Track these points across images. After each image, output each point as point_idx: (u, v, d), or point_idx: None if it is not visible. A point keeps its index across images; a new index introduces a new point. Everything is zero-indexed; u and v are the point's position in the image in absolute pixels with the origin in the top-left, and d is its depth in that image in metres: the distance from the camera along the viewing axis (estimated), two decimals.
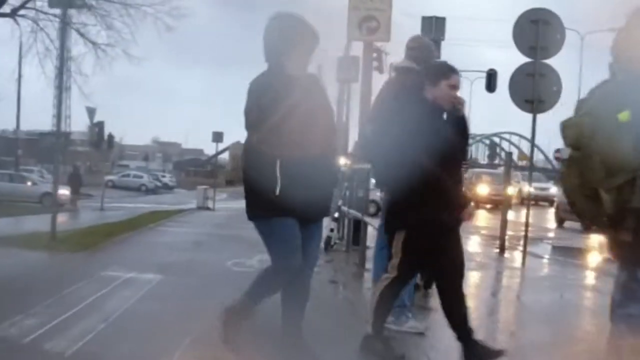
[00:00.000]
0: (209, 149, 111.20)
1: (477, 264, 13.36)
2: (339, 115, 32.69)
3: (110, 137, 39.67)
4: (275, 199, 5.30)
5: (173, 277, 10.30)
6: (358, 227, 13.96)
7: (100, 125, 37.73)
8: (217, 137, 37.88)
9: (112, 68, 37.65)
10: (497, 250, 15.34)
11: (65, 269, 10.96)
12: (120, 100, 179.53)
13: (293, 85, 5.30)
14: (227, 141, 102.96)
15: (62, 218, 27.43)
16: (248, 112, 5.45)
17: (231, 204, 50.76)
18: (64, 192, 37.49)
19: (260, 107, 5.31)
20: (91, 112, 36.43)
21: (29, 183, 40.50)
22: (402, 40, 7.48)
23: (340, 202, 15.41)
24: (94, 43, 45.74)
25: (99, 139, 37.52)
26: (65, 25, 38.34)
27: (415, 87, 6.17)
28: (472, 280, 11.27)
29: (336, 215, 15.42)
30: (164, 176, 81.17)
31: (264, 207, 5.47)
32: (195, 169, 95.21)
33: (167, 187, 73.62)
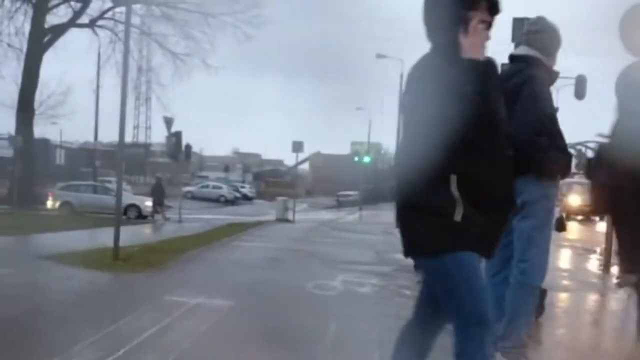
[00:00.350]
0: (289, 159, 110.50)
1: (580, 283, 11.79)
2: None
3: (188, 147, 38.74)
4: (458, 226, 3.71)
5: (246, 303, 8.96)
6: None
7: (177, 135, 36.85)
8: (297, 146, 36.68)
9: (191, 78, 36.93)
10: (601, 268, 13.71)
11: (125, 292, 9.76)
12: (200, 111, 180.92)
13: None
14: (307, 151, 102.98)
15: (139, 230, 26.68)
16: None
17: (311, 214, 49.75)
18: (148, 203, 36.95)
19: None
20: (169, 122, 35.60)
21: (113, 194, 39.70)
22: None
23: None
24: (172, 53, 45.29)
25: (177, 149, 36.60)
26: (142, 34, 37.24)
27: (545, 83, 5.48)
28: (581, 304, 9.74)
29: None
30: (243, 187, 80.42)
31: (444, 237, 3.73)
32: (275, 180, 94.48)
33: (246, 198, 72.79)
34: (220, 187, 70.08)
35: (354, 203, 58.45)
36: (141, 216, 36.91)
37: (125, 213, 36.89)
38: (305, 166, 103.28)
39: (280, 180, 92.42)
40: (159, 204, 36.12)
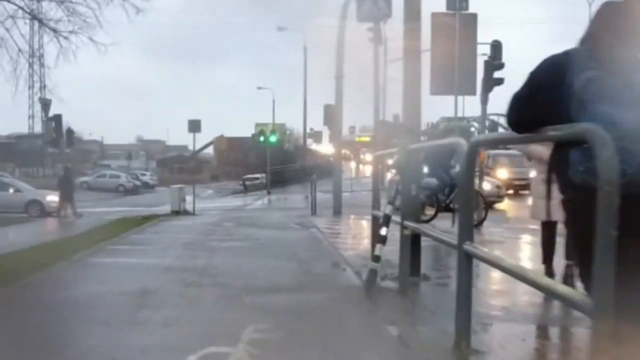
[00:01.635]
0: (195, 144, 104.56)
1: None
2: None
3: (70, 132, 32.85)
4: None
5: None
6: (418, 247, 9.46)
7: (57, 119, 30.95)
8: (194, 126, 31.14)
9: (78, 58, 31.08)
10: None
11: None
12: (101, 99, 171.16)
13: None
14: (211, 135, 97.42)
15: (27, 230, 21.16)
16: None
17: (216, 202, 44.33)
18: (53, 198, 31.22)
19: None
20: (45, 104, 29.77)
21: (12, 190, 33.18)
22: None
23: (389, 209, 9.03)
24: (55, 30, 39.08)
25: (57, 134, 30.71)
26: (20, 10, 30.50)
27: None
28: None
29: (383, 232, 8.97)
30: (144, 175, 74.20)
31: None
32: (179, 166, 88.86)
33: (147, 186, 66.69)
34: (118, 176, 63.93)
35: (261, 187, 53.04)
36: (45, 213, 31.22)
37: (26, 210, 31.68)
38: (210, 151, 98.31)
39: (184, 166, 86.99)
40: (67, 198, 30.04)
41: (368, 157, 79.73)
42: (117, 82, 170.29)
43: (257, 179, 58.13)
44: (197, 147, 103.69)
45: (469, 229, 5.73)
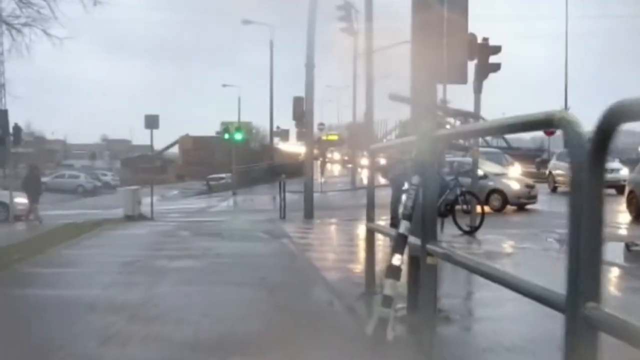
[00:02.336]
0: (159, 143, 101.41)
1: None
2: None
3: (17, 128, 29.34)
4: None
5: None
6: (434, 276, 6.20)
7: (1, 115, 27.64)
8: (151, 121, 27.90)
9: (31, 51, 27.78)
10: None
11: None
12: (64, 99, 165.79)
13: None
14: (176, 134, 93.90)
15: None
16: None
17: (179, 204, 41.08)
18: (20, 200, 27.25)
19: None
20: None
21: None
22: None
23: (404, 227, 6.02)
24: (6, 23, 35.70)
25: (4, 132, 27.31)
26: None
27: None
28: None
29: (397, 261, 5.90)
30: (105, 175, 70.57)
31: None
32: (144, 166, 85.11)
33: (109, 187, 63.08)
34: (77, 177, 60.38)
35: (226, 187, 49.82)
36: (13, 217, 27.02)
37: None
38: (176, 150, 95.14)
39: (149, 165, 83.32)
40: (33, 200, 26.37)
41: (336, 155, 76.90)
42: (80, 80, 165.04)
43: (223, 178, 54.91)
44: (158, 145, 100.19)
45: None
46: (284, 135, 63.51)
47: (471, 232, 15.64)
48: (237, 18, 53.15)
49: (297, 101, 25.71)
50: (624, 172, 26.41)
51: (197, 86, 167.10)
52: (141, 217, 24.33)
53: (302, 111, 25.08)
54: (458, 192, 16.78)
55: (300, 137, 44.46)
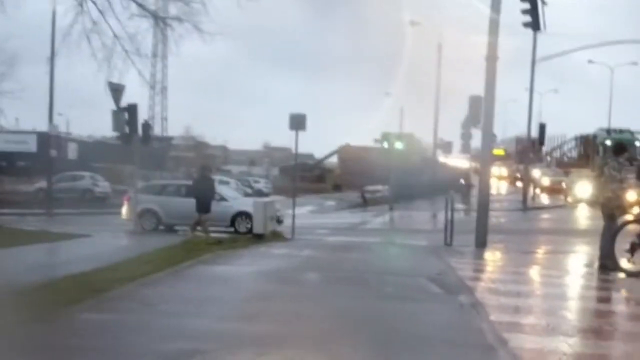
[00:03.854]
0: (319, 153, 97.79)
1: None
2: None
3: (146, 126, 24.69)
4: None
5: None
6: None
7: (131, 109, 22.97)
8: (297, 122, 22.58)
9: (180, 47, 23.37)
10: None
11: None
12: (226, 106, 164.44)
13: None
14: (336, 144, 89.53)
15: None
16: None
17: (330, 218, 35.51)
18: None
19: None
20: (116, 90, 21.80)
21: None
22: None
23: None
24: (156, 15, 31.73)
25: (131, 129, 22.68)
26: None
27: None
28: None
29: None
30: (257, 182, 66.47)
31: None
32: (302, 174, 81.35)
33: (261, 194, 58.60)
34: (227, 182, 56.27)
35: (382, 200, 44.06)
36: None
37: (232, 224, 23.07)
38: (335, 160, 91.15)
39: (307, 174, 79.57)
40: (201, 208, 21.50)
41: (503, 171, 69.51)
42: (242, 88, 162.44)
43: (379, 191, 49.16)
44: (318, 155, 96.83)
45: None
46: (447, 147, 57.00)
47: None
48: (402, 20, 47.26)
49: (474, 101, 19.71)
50: None
51: (360, 96, 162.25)
52: (275, 236, 19.06)
53: (479, 111, 19.13)
54: None
55: (465, 149, 38.39)
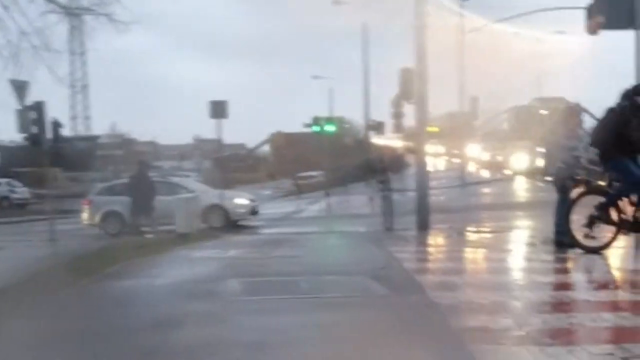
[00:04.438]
0: (251, 142, 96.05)
1: None
2: None
3: (56, 124, 22.75)
4: None
5: None
6: None
7: (38, 107, 20.96)
8: (218, 109, 20.86)
9: (94, 41, 21.60)
10: None
11: None
12: (152, 101, 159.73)
13: None
14: (266, 132, 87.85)
15: None
16: None
17: (268, 207, 33.38)
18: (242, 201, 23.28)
19: None
20: (20, 87, 19.77)
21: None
22: None
23: None
24: (63, 7, 29.53)
25: (40, 129, 20.71)
26: None
27: None
28: None
29: None
30: (187, 176, 64.49)
31: None
32: (235, 165, 79.69)
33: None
34: (187, 176, 54.09)
35: (317, 186, 42.56)
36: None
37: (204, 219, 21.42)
38: (268, 148, 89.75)
39: (240, 164, 77.87)
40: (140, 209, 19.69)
41: (440, 149, 68.30)
42: (167, 81, 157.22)
43: (313, 177, 47.69)
44: (250, 143, 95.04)
45: None
46: (379, 128, 55.73)
47: None
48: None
49: (406, 73, 18.23)
50: None
51: (290, 80, 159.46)
52: (203, 235, 17.37)
53: (411, 85, 17.72)
54: None
55: (397, 129, 37.00)
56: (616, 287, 8.32)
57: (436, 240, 14.51)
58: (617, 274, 9.50)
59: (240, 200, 23.08)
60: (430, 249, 13.10)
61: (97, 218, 21.90)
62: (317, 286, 8.44)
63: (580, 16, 24.67)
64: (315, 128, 37.99)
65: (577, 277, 9.29)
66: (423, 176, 17.58)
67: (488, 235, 14.76)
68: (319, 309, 7.25)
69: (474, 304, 7.17)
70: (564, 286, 8.52)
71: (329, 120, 38.74)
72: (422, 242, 14.28)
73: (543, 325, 6.24)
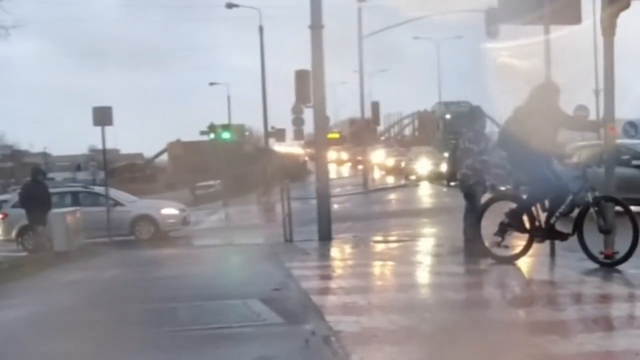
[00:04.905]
0: (149, 152, 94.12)
1: None
2: None
3: None
4: None
5: None
6: None
7: None
8: (102, 116, 19.38)
9: None
10: None
11: None
12: (44, 110, 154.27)
13: None
14: (166, 140, 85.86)
15: None
16: None
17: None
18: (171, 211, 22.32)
19: None
20: None
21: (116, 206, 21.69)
22: None
23: None
24: None
25: None
26: None
27: None
28: None
29: None
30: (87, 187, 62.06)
31: None
32: (132, 175, 77.79)
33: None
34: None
35: (216, 196, 41.23)
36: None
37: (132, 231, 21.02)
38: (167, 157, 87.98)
39: (138, 174, 75.97)
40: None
41: (343, 155, 67.66)
42: (60, 89, 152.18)
43: (212, 186, 46.21)
44: (146, 152, 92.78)
45: None
46: (280, 135, 54.60)
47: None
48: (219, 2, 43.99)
49: (301, 76, 17.21)
50: None
51: (187, 89, 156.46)
52: (85, 253, 15.85)
53: (307, 87, 16.71)
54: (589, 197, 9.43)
55: (298, 135, 36.05)
56: (536, 304, 7.50)
57: (339, 253, 13.53)
58: (534, 288, 8.71)
59: (170, 211, 21.98)
60: (332, 263, 12.06)
61: (14, 233, 20.48)
62: (197, 315, 7.25)
63: (481, 20, 24.53)
64: (211, 136, 36.79)
65: (492, 293, 8.42)
66: (324, 183, 16.62)
67: (394, 245, 13.90)
68: (195, 346, 6.08)
69: (380, 331, 6.16)
70: (479, 304, 7.63)
71: (225, 127, 37.53)
72: (324, 255, 13.27)
73: (459, 356, 5.29)
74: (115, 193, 22.84)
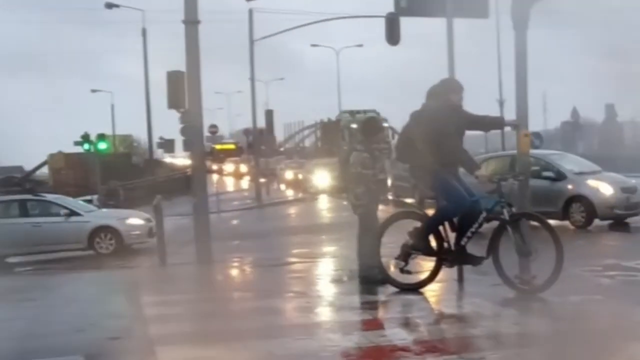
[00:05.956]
0: (29, 164, 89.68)
1: None
2: None
3: None
4: None
5: None
6: None
7: None
8: None
9: None
10: None
11: None
12: None
13: None
14: (47, 152, 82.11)
15: None
16: None
17: None
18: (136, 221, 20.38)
19: None
20: None
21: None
22: None
23: None
24: None
25: None
26: None
27: None
28: None
29: None
30: None
31: None
32: (9, 189, 73.27)
33: None
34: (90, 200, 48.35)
35: None
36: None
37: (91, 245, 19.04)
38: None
39: (16, 189, 71.59)
40: None
41: (243, 167, 65.57)
42: None
43: (89, 201, 43.63)
44: (26, 165, 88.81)
45: None
46: (169, 146, 52.50)
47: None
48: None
49: (174, 78, 15.42)
50: None
51: (68, 96, 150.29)
52: None
53: (182, 94, 15.00)
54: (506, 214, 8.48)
55: (187, 146, 34.14)
56: (447, 350, 6.09)
57: (216, 280, 11.86)
58: (444, 327, 7.32)
59: (135, 221, 19.82)
60: (201, 295, 10.26)
61: None
62: None
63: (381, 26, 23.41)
64: (86, 146, 34.63)
65: (396, 334, 6.97)
66: (202, 199, 14.95)
67: (285, 269, 12.35)
68: None
69: None
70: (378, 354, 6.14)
71: (101, 137, 35.29)
72: (196, 284, 11.56)
73: None
74: (70, 201, 21.33)
